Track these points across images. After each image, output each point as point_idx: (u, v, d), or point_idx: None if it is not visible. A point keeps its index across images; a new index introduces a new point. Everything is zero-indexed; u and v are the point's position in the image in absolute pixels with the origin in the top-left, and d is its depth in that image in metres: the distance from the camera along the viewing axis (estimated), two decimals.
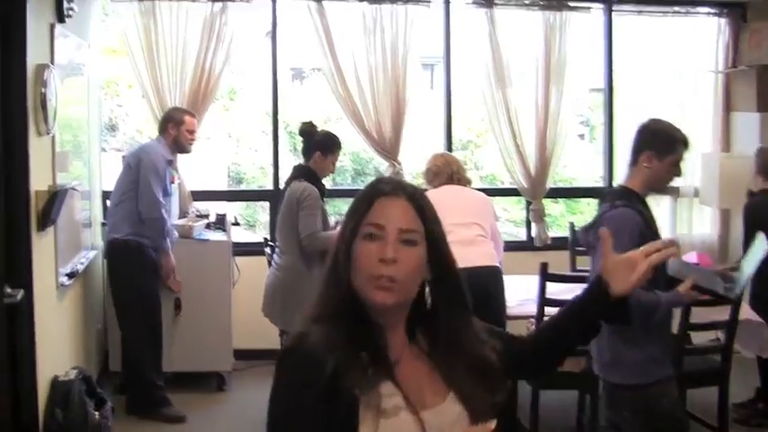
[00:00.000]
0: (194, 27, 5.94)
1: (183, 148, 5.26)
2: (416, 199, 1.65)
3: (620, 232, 2.74)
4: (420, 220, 1.62)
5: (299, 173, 4.91)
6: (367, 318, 1.61)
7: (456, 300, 1.68)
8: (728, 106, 6.67)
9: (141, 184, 5.05)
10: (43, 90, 3.92)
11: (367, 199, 1.64)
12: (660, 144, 3.16)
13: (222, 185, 8.16)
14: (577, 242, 5.81)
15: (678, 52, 6.71)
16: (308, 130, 4.98)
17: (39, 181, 3.95)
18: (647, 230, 3.06)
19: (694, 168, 6.63)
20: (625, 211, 3.08)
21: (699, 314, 4.39)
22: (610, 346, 3.17)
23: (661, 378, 3.14)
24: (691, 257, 5.04)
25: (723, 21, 6.63)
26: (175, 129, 5.23)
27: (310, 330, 1.59)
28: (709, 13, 6.67)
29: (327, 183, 5.30)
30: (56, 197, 4.03)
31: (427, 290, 1.68)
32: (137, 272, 5.02)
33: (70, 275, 4.64)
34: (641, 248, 1.76)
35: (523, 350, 1.82)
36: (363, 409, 1.50)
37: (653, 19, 6.69)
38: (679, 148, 3.18)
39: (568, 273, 5.43)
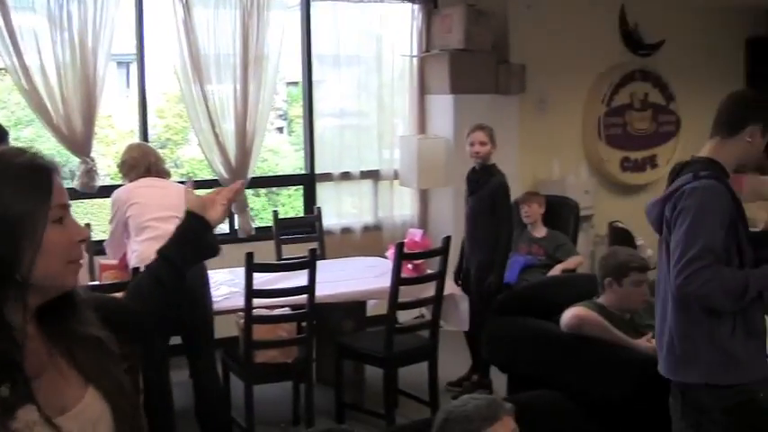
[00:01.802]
0: None
1: None
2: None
3: (706, 205, 2.67)
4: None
5: None
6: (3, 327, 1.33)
7: None
8: (423, 89, 6.85)
9: None
10: None
11: (47, 179, 1.40)
12: None
13: None
14: (282, 231, 5.75)
15: (375, 39, 6.77)
16: None
17: None
18: (736, 206, 2.77)
19: (393, 151, 6.80)
20: (712, 183, 2.74)
21: (405, 292, 4.50)
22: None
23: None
24: (415, 235, 5.11)
25: (416, 7, 6.78)
26: None
27: None
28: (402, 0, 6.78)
29: None
30: None
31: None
32: None
33: None
34: (214, 190, 1.88)
35: (123, 309, 1.75)
36: None
37: (349, 7, 6.62)
38: None
39: (275, 261, 5.35)
